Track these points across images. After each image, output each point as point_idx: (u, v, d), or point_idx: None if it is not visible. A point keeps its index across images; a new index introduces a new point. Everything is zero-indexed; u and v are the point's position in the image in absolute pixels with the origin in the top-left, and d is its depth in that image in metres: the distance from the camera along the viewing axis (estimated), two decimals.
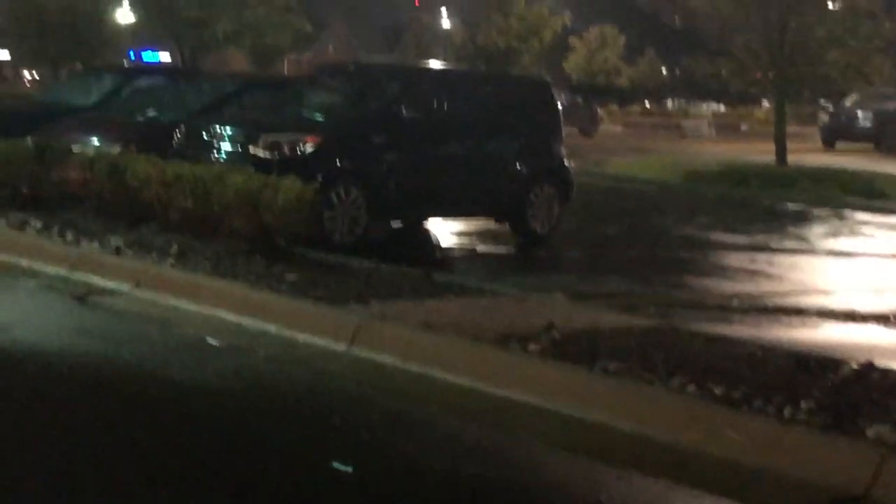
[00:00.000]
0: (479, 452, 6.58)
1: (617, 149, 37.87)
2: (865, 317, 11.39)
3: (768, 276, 14.05)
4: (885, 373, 7.83)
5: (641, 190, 24.92)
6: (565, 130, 17.27)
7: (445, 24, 76.21)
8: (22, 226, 12.36)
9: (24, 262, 11.26)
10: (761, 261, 15.15)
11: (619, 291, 12.10)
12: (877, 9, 27.73)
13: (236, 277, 10.15)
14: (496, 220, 15.95)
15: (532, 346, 8.08)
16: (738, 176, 26.26)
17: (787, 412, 6.85)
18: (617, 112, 68.94)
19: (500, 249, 15.51)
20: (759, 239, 17.46)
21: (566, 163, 16.56)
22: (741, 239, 17.31)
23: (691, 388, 7.24)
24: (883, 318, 11.31)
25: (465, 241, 16.00)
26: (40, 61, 44.63)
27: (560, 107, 17.18)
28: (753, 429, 6.70)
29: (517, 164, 15.66)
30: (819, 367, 7.94)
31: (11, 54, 55.18)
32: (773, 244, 17.00)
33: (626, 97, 78.52)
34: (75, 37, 40.72)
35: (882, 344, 10.01)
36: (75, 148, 14.55)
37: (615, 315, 9.81)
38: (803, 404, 6.93)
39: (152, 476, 5.83)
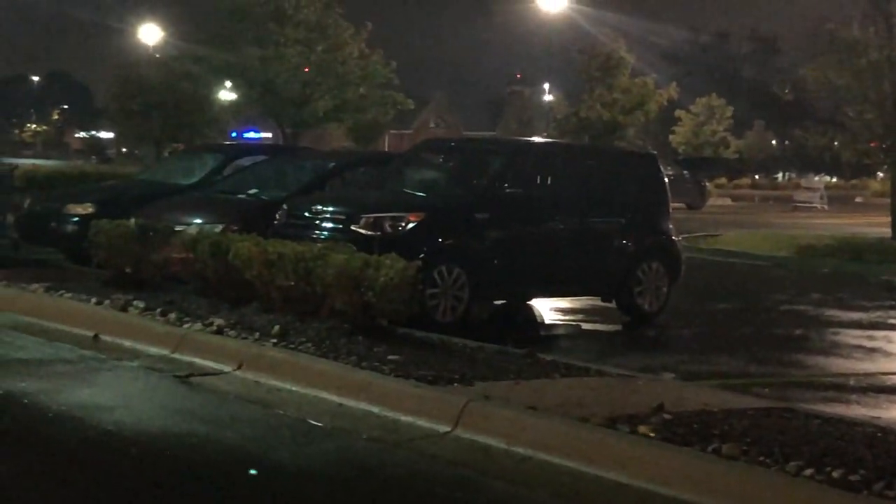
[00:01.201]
0: None
1: (726, 223, 37.59)
2: None
3: (887, 354, 13.76)
4: None
5: (752, 265, 24.63)
6: (672, 205, 17.16)
7: (547, 97, 76.41)
8: (125, 306, 12.56)
9: (128, 343, 11.46)
10: (879, 338, 14.85)
11: (731, 371, 11.95)
12: None
13: (338, 357, 10.21)
14: (602, 299, 15.86)
15: (642, 428, 7.99)
16: (853, 250, 25.83)
17: None
18: (725, 185, 68.58)
19: (607, 328, 15.40)
20: (877, 315, 17.12)
21: (674, 238, 16.45)
22: (857, 315, 16.99)
23: (809, 471, 7.10)
24: None
25: (570, 319, 15.92)
26: (143, 141, 45.44)
27: (666, 180, 17.08)
28: None
29: (624, 240, 15.60)
30: None
31: (115, 134, 56.50)
32: (892, 320, 16.66)
33: (734, 170, 78.09)
34: (178, 116, 41.42)
35: None
36: (178, 228, 14.79)
37: (728, 395, 9.67)
38: None
39: None
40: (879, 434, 8.21)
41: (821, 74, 27.72)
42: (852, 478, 6.97)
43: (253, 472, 7.41)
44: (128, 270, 14.21)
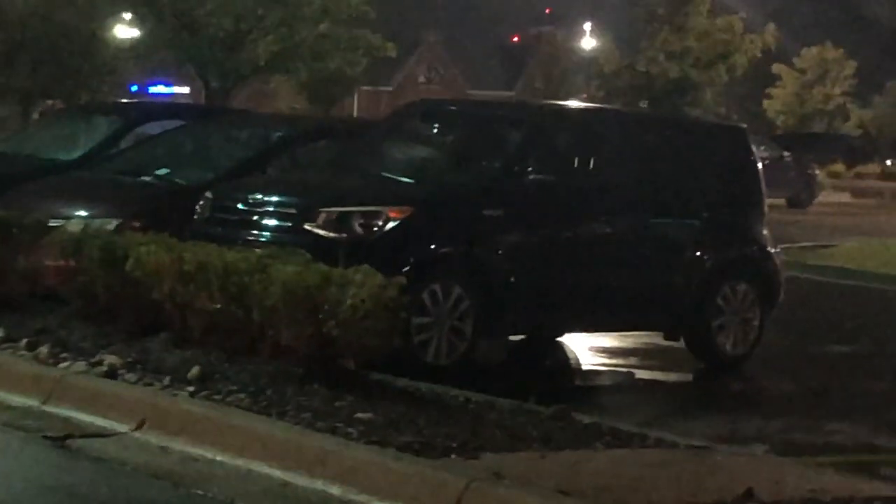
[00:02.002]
0: None
1: (844, 228, 37.62)
2: None
3: None
4: None
5: (882, 290, 24.65)
6: (768, 201, 17.18)
7: (589, 42, 76.57)
8: None
9: None
10: None
11: (851, 443, 11.95)
12: None
13: (284, 415, 10.19)
14: (666, 335, 15.87)
15: None
16: None
17: None
18: (843, 174, 68.65)
19: (672, 377, 15.42)
20: None
21: (770, 249, 16.47)
22: None
23: None
24: None
25: (618, 363, 15.95)
26: (3, 96, 45.44)
27: (760, 166, 17.09)
28: None
29: (698, 252, 15.62)
30: None
31: None
32: None
33: (856, 152, 78.07)
34: (55, 61, 41.48)
35: None
36: (53, 223, 14.77)
37: (847, 479, 9.66)
38: None
39: None
40: None
41: None
42: None
43: None
44: None
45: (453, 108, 19.43)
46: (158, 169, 17.52)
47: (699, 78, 56.27)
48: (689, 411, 13.71)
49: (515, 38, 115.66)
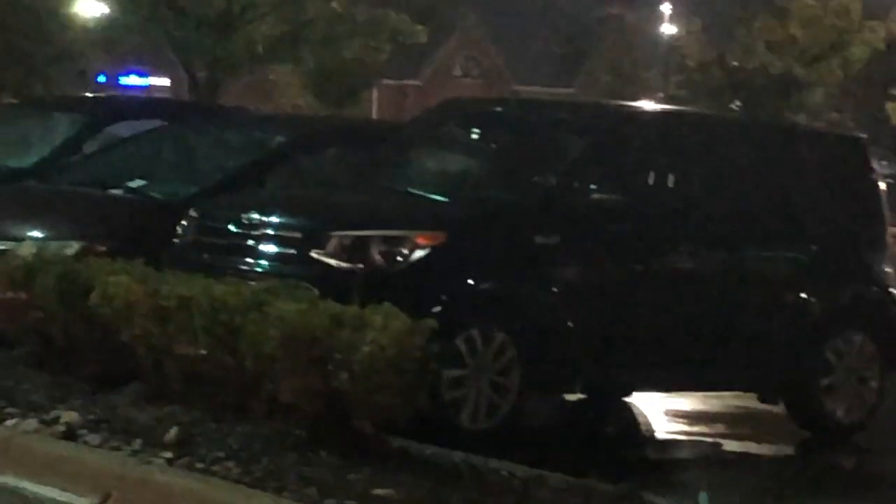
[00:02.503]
0: None
1: None
2: None
3: None
4: None
5: None
6: (892, 229, 17.17)
7: (668, 28, 76.62)
8: None
9: None
10: None
11: None
12: None
13: (283, 489, 10.20)
14: (762, 397, 15.86)
15: None
16: None
17: None
18: None
19: (769, 450, 15.42)
20: None
21: (894, 290, 16.46)
22: None
23: None
24: None
25: (701, 431, 15.95)
26: None
27: (882, 186, 17.10)
28: None
29: (803, 293, 15.62)
30: None
31: None
32: None
33: None
34: (3, 44, 41.75)
35: None
36: (0, 246, 14.84)
37: None
38: None
39: None
40: None
41: None
42: None
43: None
44: None
45: (496, 109, 19.42)
46: (131, 180, 17.51)
47: (806, 75, 56.17)
48: (790, 494, 13.72)
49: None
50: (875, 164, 17.36)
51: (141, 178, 17.54)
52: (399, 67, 69.58)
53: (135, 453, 10.95)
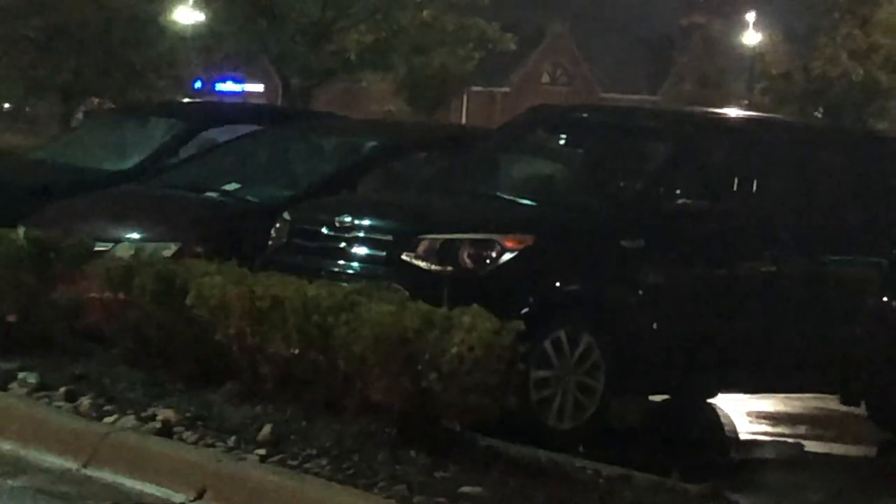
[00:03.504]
0: None
1: None
2: None
3: None
4: None
5: None
6: None
7: (753, 36, 76.35)
8: (5, 382, 12.65)
9: (7, 446, 11.54)
10: None
11: None
12: None
13: (373, 486, 10.19)
14: (844, 399, 15.78)
15: None
16: None
17: None
18: None
19: (851, 451, 15.34)
20: None
21: None
22: None
23: None
24: None
25: (783, 432, 15.88)
26: (42, 91, 45.83)
27: None
28: None
29: (886, 297, 15.52)
30: None
31: None
32: None
33: None
34: (105, 51, 41.81)
35: None
36: (99, 247, 14.90)
37: None
38: None
39: None
40: None
41: None
42: None
43: None
44: (10, 319, 14.33)
45: (584, 115, 19.34)
46: (226, 183, 17.54)
47: (889, 82, 55.86)
48: (873, 494, 13.64)
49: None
50: None
51: (236, 181, 17.53)
52: (488, 75, 69.45)
53: (229, 450, 10.96)
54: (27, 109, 63.41)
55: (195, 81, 57.55)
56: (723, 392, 16.10)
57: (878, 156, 17.28)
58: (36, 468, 11.13)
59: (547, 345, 13.42)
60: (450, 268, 13.57)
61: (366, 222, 14.57)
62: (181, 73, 48.64)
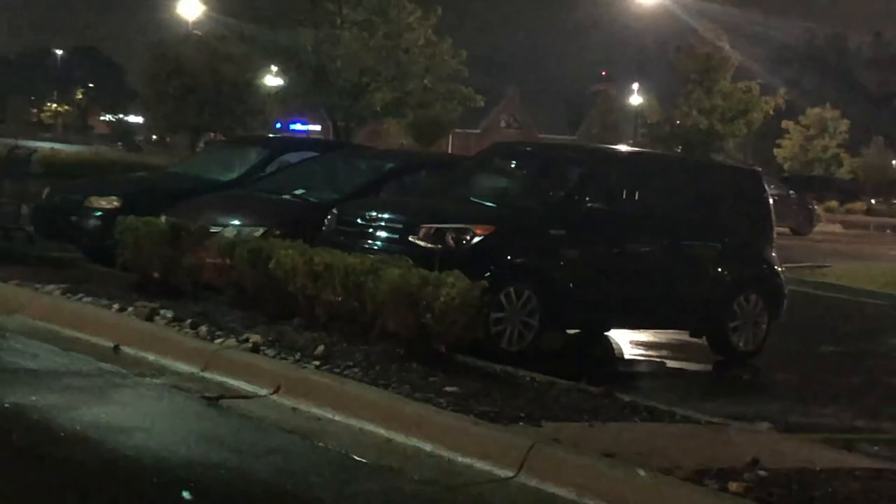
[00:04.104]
0: None
1: (836, 253, 37.26)
2: None
3: None
4: None
5: (866, 303, 24.38)
6: (776, 229, 17.04)
7: (636, 99, 76.20)
8: (151, 315, 12.65)
9: (151, 357, 11.55)
10: None
11: (837, 425, 11.83)
12: None
13: (388, 386, 10.22)
14: (691, 333, 15.76)
15: (733, 486, 7.95)
16: None
17: None
18: (836, 209, 68.07)
19: (696, 367, 15.31)
20: None
21: (777, 267, 16.33)
22: None
23: None
24: None
25: (653, 354, 15.86)
26: (177, 128, 45.84)
27: (771, 201, 16.96)
28: None
29: (720, 268, 15.50)
30: None
31: (146, 118, 56.87)
32: None
33: (847, 192, 77.39)
34: (218, 102, 41.74)
35: None
36: (214, 230, 14.86)
37: (832, 452, 9.57)
38: None
39: None
40: None
41: None
42: None
43: None
44: (155, 275, 14.30)
45: (528, 149, 19.32)
46: (296, 189, 17.44)
47: (724, 130, 55.79)
48: (708, 394, 13.59)
49: (603, 73, 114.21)
50: (766, 187, 17.21)
51: (302, 188, 17.49)
52: (466, 122, 69.17)
53: (296, 362, 11.01)
54: (167, 139, 63.23)
55: (276, 123, 57.45)
56: (614, 328, 16.11)
57: (713, 177, 17.32)
58: (170, 371, 11.12)
59: (501, 296, 13.36)
60: (440, 246, 13.50)
61: (385, 215, 14.55)
62: (267, 117, 48.57)
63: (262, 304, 13.06)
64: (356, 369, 10.76)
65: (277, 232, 14.96)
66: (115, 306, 13.08)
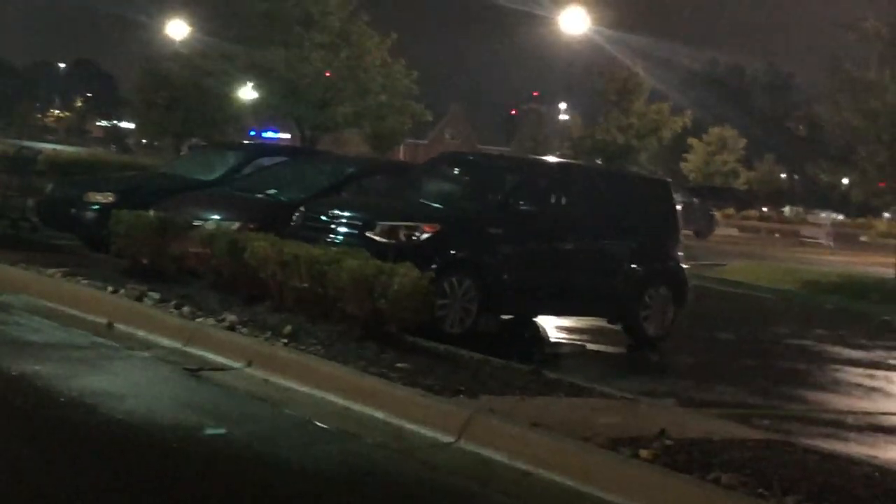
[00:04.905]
0: None
1: (732, 253, 37.56)
2: None
3: (886, 394, 13.75)
4: None
5: (757, 297, 24.61)
6: (682, 231, 17.14)
7: (563, 116, 76.48)
8: (140, 297, 12.57)
9: (141, 333, 11.47)
10: (879, 377, 14.84)
11: (732, 401, 11.93)
12: None
13: (347, 362, 10.19)
14: (609, 320, 15.83)
15: (643, 453, 7.98)
16: (857, 288, 25.80)
17: None
18: (733, 215, 68.58)
19: (611, 349, 15.38)
20: (877, 354, 17.11)
21: (682, 265, 16.43)
22: (859, 353, 16.98)
23: None
24: None
25: (575, 338, 15.91)
26: (164, 133, 45.53)
27: (678, 207, 17.05)
28: None
29: (633, 264, 15.59)
30: None
31: (137, 124, 56.40)
32: (892, 361, 16.64)
33: (742, 201, 78.05)
34: (200, 112, 41.49)
35: None
36: (196, 223, 14.80)
37: (728, 425, 9.65)
38: None
39: None
40: (876, 474, 8.20)
41: (835, 113, 27.61)
42: None
43: (257, 470, 7.41)
44: (145, 261, 14.24)
45: (470, 158, 19.35)
46: (268, 189, 17.44)
47: (638, 145, 55.87)
48: (623, 373, 13.67)
49: (513, 112, 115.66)
50: (674, 195, 17.30)
51: (274, 188, 17.47)
52: (415, 133, 69.04)
53: (266, 339, 10.95)
54: (155, 143, 62.73)
55: (251, 131, 57.09)
56: (542, 314, 16.14)
57: (628, 185, 17.43)
58: (157, 346, 11.06)
59: (445, 285, 13.39)
60: (393, 241, 13.54)
61: (346, 214, 14.52)
62: (243, 125, 48.28)
63: (238, 288, 12.99)
64: (319, 346, 10.72)
65: (252, 226, 14.89)
66: (109, 288, 12.98)
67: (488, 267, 14.13)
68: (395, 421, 8.86)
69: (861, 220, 73.22)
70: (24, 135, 67.63)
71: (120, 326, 11.71)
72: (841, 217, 77.59)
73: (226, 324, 11.44)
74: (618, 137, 55.63)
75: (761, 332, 18.71)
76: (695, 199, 52.13)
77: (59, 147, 48.78)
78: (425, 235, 13.78)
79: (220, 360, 10.52)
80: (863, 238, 61.81)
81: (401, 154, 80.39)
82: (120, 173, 25.24)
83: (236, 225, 15.23)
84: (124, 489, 6.84)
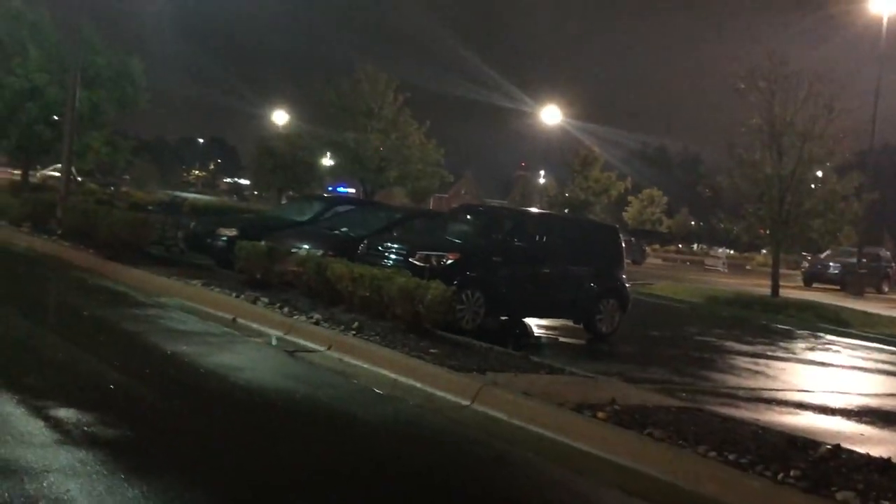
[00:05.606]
0: (554, 485, 6.49)
1: (657, 275, 37.35)
2: (834, 410, 10.98)
3: (766, 376, 13.64)
4: (850, 453, 7.54)
5: (675, 307, 24.48)
6: (625, 260, 17.06)
7: (542, 180, 76.39)
8: (255, 300, 12.56)
9: (255, 326, 11.47)
10: (761, 364, 14.72)
11: (660, 379, 11.84)
12: (849, 192, 27.04)
13: (396, 347, 10.17)
14: (574, 322, 15.73)
15: (600, 414, 7.95)
16: (745, 302, 25.63)
17: (780, 477, 6.64)
18: (658, 249, 68.30)
19: (576, 342, 15.27)
20: (759, 348, 16.98)
21: (625, 284, 16.35)
22: (746, 347, 16.85)
23: (712, 453, 7.06)
24: (847, 413, 10.89)
25: (551, 333, 15.82)
26: (270, 188, 45.69)
27: (623, 244, 16.98)
28: (755, 487, 6.51)
29: (591, 283, 15.50)
30: (804, 445, 7.69)
31: (251, 181, 56.61)
32: (769, 353, 16.52)
33: (665, 239, 77.85)
34: (295, 173, 41.68)
35: (846, 431, 9.62)
36: (293, 250, 14.80)
37: (658, 396, 9.58)
38: (792, 472, 6.73)
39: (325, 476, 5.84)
40: (760, 431, 8.16)
41: (730, 181, 27.66)
42: (742, 460, 6.94)
43: (337, 421, 7.40)
44: (258, 276, 14.24)
45: (480, 208, 19.32)
46: (342, 228, 17.40)
47: (594, 200, 55.89)
48: (585, 359, 13.53)
49: (523, 164, 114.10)
50: (620, 235, 17.21)
51: (346, 227, 17.47)
52: (441, 190, 69.07)
53: (342, 331, 10.90)
54: (264, 195, 62.96)
55: (329, 187, 57.27)
56: (529, 317, 16.08)
57: (588, 228, 17.38)
58: (265, 335, 11.02)
59: (463, 295, 13.28)
60: (427, 265, 13.50)
61: (395, 245, 14.46)
62: (324, 183, 48.36)
63: (322, 296, 12.99)
64: (377, 337, 10.69)
65: (331, 253, 14.88)
66: (234, 294, 12.98)
67: (492, 283, 14.08)
68: (429, 389, 8.85)
69: (746, 254, 72.78)
70: (174, 188, 67.96)
71: (241, 321, 11.71)
72: (732, 252, 77.13)
73: (313, 320, 11.42)
74: (580, 195, 55.62)
75: (679, 331, 18.59)
76: (632, 238, 51.88)
77: (198, 196, 48.90)
78: (449, 261, 13.75)
79: (309, 345, 10.52)
80: (748, 267, 61.43)
81: (431, 204, 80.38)
82: (240, 215, 25.28)
83: (321, 252, 15.23)
84: (244, 433, 6.86)
